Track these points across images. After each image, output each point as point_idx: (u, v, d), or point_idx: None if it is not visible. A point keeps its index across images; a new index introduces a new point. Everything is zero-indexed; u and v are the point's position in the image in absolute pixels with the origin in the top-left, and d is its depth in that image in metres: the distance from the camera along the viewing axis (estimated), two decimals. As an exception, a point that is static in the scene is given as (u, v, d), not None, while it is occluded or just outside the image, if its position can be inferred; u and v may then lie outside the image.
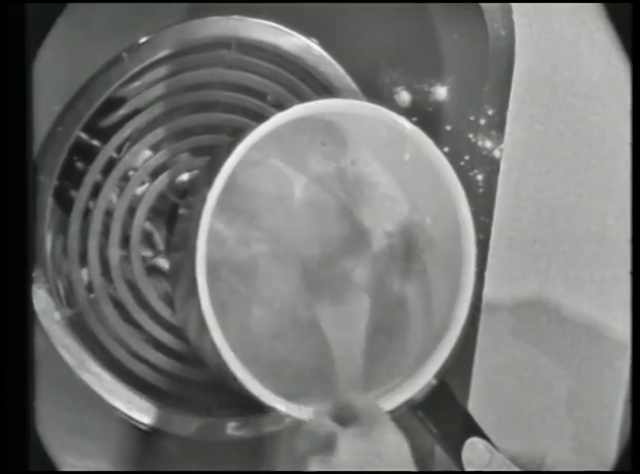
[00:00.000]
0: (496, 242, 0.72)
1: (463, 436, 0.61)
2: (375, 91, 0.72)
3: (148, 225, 0.69)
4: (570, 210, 0.73)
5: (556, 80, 0.73)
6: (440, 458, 0.68)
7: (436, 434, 0.61)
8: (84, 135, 0.68)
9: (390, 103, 0.72)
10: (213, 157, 0.64)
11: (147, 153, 0.70)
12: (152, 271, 0.69)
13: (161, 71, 0.70)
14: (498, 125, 0.72)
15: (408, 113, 0.71)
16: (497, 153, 0.72)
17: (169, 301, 0.68)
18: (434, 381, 0.60)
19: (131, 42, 0.69)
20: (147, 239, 0.70)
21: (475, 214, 0.61)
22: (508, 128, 0.72)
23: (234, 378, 0.55)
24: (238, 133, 0.61)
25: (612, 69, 0.72)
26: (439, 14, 0.72)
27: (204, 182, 0.58)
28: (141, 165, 0.69)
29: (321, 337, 0.64)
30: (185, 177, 0.71)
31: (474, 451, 0.61)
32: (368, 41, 0.72)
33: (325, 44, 0.72)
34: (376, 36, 0.72)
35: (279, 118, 0.58)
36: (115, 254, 0.68)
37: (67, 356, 0.67)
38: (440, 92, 0.73)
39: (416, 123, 0.61)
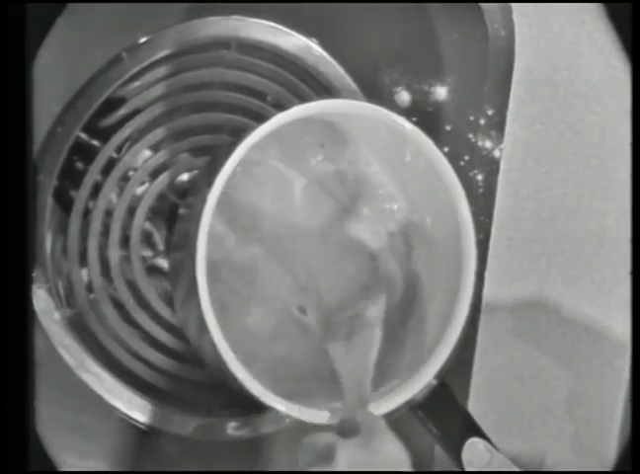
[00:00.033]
0: (496, 242, 0.72)
1: (463, 437, 0.61)
2: (375, 91, 0.72)
3: (148, 225, 0.69)
4: (570, 210, 0.73)
5: (556, 80, 0.73)
6: (440, 458, 0.68)
7: (436, 435, 0.61)
8: (84, 135, 0.68)
9: (390, 103, 0.72)
10: (213, 157, 0.64)
11: (147, 153, 0.70)
12: (152, 271, 0.69)
13: (161, 71, 0.70)
14: (498, 125, 0.72)
15: (408, 113, 0.71)
16: (497, 153, 0.72)
17: (169, 301, 0.68)
18: (434, 382, 0.60)
19: (131, 42, 0.69)
20: (147, 239, 0.70)
21: (475, 214, 0.61)
22: (508, 128, 0.72)
23: (234, 378, 0.55)
24: (238, 133, 0.61)
25: (612, 69, 0.72)
26: (439, 14, 0.72)
27: (204, 182, 0.58)
28: (141, 165, 0.69)
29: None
30: (185, 177, 0.71)
31: (474, 451, 0.61)
32: (368, 41, 0.72)
33: (325, 44, 0.72)
34: (376, 36, 0.72)
35: (279, 119, 0.58)
36: (114, 254, 0.68)
37: (67, 356, 0.67)
38: (440, 92, 0.73)
39: (416, 123, 0.61)
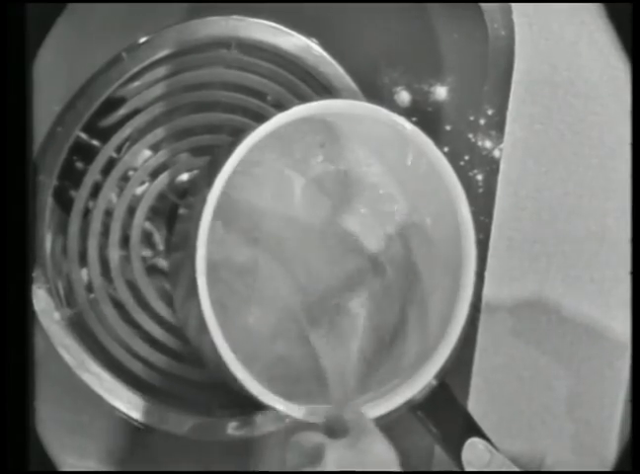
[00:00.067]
0: (496, 242, 0.72)
1: (463, 437, 0.61)
2: (375, 91, 0.72)
3: (148, 225, 0.69)
4: (570, 210, 0.73)
5: (556, 80, 0.73)
6: (440, 458, 0.68)
7: (436, 435, 0.61)
8: (84, 135, 0.68)
9: (390, 103, 0.72)
10: (213, 157, 0.64)
11: (147, 153, 0.70)
12: (152, 271, 0.69)
13: (161, 71, 0.70)
14: (498, 125, 0.72)
15: (408, 113, 0.71)
16: (497, 153, 0.72)
17: (169, 301, 0.68)
18: (434, 382, 0.60)
19: (131, 42, 0.69)
20: (147, 239, 0.70)
21: (475, 214, 0.61)
22: (507, 128, 0.72)
23: (234, 378, 0.55)
24: (238, 133, 0.61)
25: (612, 69, 0.72)
26: (439, 14, 0.72)
27: (204, 182, 0.58)
28: (141, 165, 0.69)
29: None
30: (185, 177, 0.71)
31: (474, 452, 0.61)
32: (368, 41, 0.72)
33: (325, 44, 0.72)
34: (376, 36, 0.72)
35: (279, 119, 0.58)
36: (114, 254, 0.68)
37: (67, 356, 0.67)
38: (440, 92, 0.73)
39: (416, 123, 0.61)
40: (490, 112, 0.72)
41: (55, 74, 0.66)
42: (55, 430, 0.66)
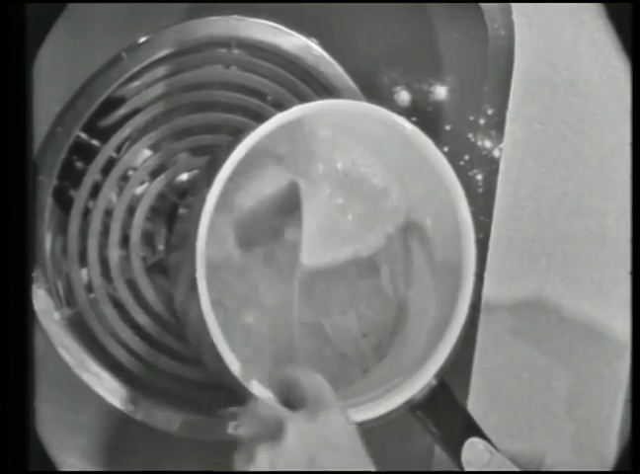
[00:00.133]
0: (495, 242, 0.72)
1: (463, 437, 0.61)
2: (375, 91, 0.72)
3: (148, 225, 0.69)
4: (570, 210, 0.73)
5: (556, 80, 0.73)
6: (440, 458, 0.68)
7: (436, 435, 0.61)
8: (84, 135, 0.68)
9: (390, 103, 0.72)
10: (213, 157, 0.64)
11: (147, 153, 0.70)
12: (152, 271, 0.69)
13: (161, 71, 0.70)
14: (497, 125, 0.72)
15: (408, 112, 0.71)
16: (496, 153, 0.72)
17: (169, 301, 0.68)
18: (434, 381, 0.60)
19: (131, 42, 0.69)
20: (147, 239, 0.70)
21: (475, 214, 0.61)
22: (507, 128, 0.72)
23: (234, 378, 0.55)
24: (238, 133, 0.61)
25: (612, 69, 0.72)
26: (438, 14, 0.72)
27: (204, 182, 0.58)
28: (141, 165, 0.69)
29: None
30: (184, 177, 0.71)
31: (474, 451, 0.61)
32: (368, 41, 0.72)
33: (325, 44, 0.72)
34: (376, 35, 0.72)
35: (279, 119, 0.58)
36: (114, 254, 0.68)
37: (67, 356, 0.67)
38: (440, 92, 0.73)
39: (415, 123, 0.61)
40: (490, 111, 0.72)
41: (55, 74, 0.66)
42: (55, 430, 0.66)
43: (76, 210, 0.68)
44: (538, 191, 0.73)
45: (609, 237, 0.73)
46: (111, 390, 0.67)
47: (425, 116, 0.72)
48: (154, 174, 0.69)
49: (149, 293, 0.68)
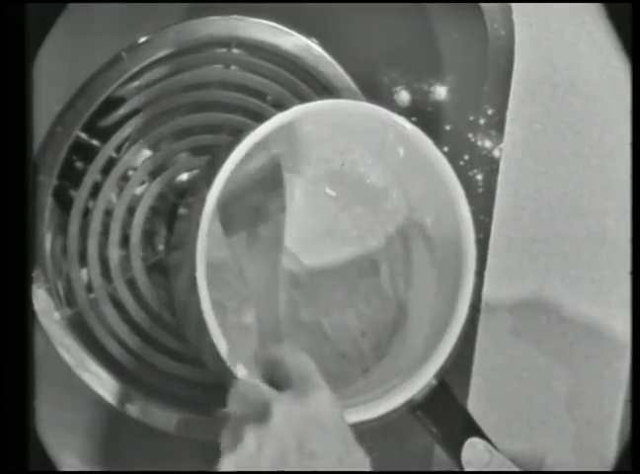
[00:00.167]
0: (495, 241, 0.72)
1: (463, 437, 0.61)
2: (375, 91, 0.72)
3: (148, 225, 0.69)
4: (570, 210, 0.73)
5: (556, 80, 0.73)
6: (440, 458, 0.68)
7: (436, 435, 0.61)
8: (83, 135, 0.68)
9: (390, 102, 0.72)
10: (213, 157, 0.64)
11: (147, 153, 0.70)
12: (152, 271, 0.69)
13: (160, 71, 0.70)
14: (497, 125, 0.72)
15: (408, 112, 0.71)
16: (496, 153, 0.72)
17: (169, 301, 0.68)
18: (434, 381, 0.60)
19: (131, 42, 0.69)
20: (147, 239, 0.70)
21: (475, 214, 0.61)
22: (507, 128, 0.72)
23: (234, 378, 0.55)
24: (238, 133, 0.61)
25: (612, 69, 0.72)
26: (438, 13, 0.72)
27: (204, 182, 0.58)
28: (141, 165, 0.69)
29: (321, 337, 0.64)
30: (184, 177, 0.71)
31: (474, 451, 0.61)
32: (368, 41, 0.72)
33: (325, 44, 0.72)
34: (376, 35, 0.72)
35: (279, 119, 0.58)
36: (114, 254, 0.68)
37: (67, 356, 0.67)
38: (440, 92, 0.73)
39: (415, 123, 0.61)
40: (490, 111, 0.72)
41: (55, 74, 0.66)
42: (55, 430, 0.66)
43: (76, 210, 0.68)
44: (538, 191, 0.73)
45: (609, 237, 0.73)
46: (111, 390, 0.67)
47: (425, 116, 0.72)
48: (154, 174, 0.69)
49: (149, 293, 0.68)
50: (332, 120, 0.63)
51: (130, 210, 0.68)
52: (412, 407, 0.60)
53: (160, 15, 0.69)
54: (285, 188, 0.63)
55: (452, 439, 0.61)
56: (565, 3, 0.72)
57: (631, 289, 0.66)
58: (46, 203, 0.67)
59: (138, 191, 0.69)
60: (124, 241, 0.68)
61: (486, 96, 0.72)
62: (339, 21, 0.72)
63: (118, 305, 0.68)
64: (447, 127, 0.73)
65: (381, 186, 0.66)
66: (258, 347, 0.60)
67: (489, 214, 0.72)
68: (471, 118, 0.72)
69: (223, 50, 0.71)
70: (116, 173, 0.68)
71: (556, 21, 0.72)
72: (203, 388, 0.69)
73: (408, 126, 0.61)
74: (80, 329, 0.68)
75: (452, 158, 0.63)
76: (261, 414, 0.49)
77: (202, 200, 0.55)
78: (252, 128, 0.57)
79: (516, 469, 0.61)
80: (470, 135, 0.72)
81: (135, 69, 0.69)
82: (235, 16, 0.70)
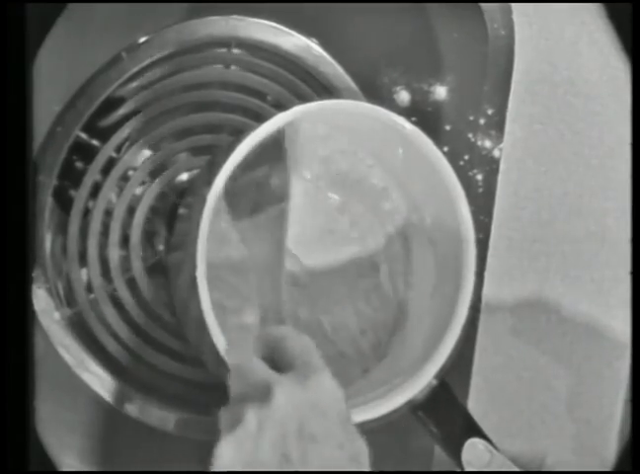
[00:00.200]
0: (495, 242, 0.72)
1: (463, 437, 0.61)
2: (375, 91, 0.72)
3: (148, 225, 0.69)
4: (570, 210, 0.73)
5: (556, 80, 0.73)
6: (440, 458, 0.68)
7: (436, 435, 0.61)
8: (83, 135, 0.68)
9: (390, 102, 0.72)
10: (213, 157, 0.64)
11: (147, 153, 0.70)
12: (152, 271, 0.69)
13: (160, 71, 0.70)
14: (497, 125, 0.72)
15: (407, 112, 0.71)
16: (496, 153, 0.72)
17: (168, 301, 0.68)
18: (434, 381, 0.60)
19: (131, 42, 0.69)
20: (147, 239, 0.70)
21: (475, 214, 0.61)
22: (507, 128, 0.72)
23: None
24: (238, 133, 0.61)
25: (612, 69, 0.72)
26: (438, 13, 0.72)
27: (204, 182, 0.58)
28: (141, 165, 0.69)
29: (321, 336, 0.64)
30: (184, 176, 0.71)
31: (474, 452, 0.61)
32: (368, 41, 0.72)
33: (325, 44, 0.72)
34: (376, 35, 0.72)
35: (279, 119, 0.58)
36: (114, 254, 0.68)
37: (67, 356, 0.67)
38: (440, 91, 0.73)
39: (415, 123, 0.61)
40: (490, 111, 0.72)
41: (55, 74, 0.66)
42: (55, 429, 0.66)
43: (76, 210, 0.68)
44: (538, 191, 0.73)
45: (609, 237, 0.73)
46: (110, 390, 0.67)
47: (425, 116, 0.72)
48: (154, 174, 0.69)
49: (149, 293, 0.68)
50: (332, 121, 0.63)
51: (130, 210, 0.68)
52: (412, 407, 0.60)
53: (160, 15, 0.69)
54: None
55: (453, 439, 0.61)
56: (565, 3, 0.72)
57: (631, 289, 0.66)
58: (46, 203, 0.67)
59: (138, 191, 0.69)
60: (124, 241, 0.68)
61: (486, 96, 0.72)
62: (339, 21, 0.72)
63: (118, 305, 0.68)
64: (447, 127, 0.73)
65: (381, 186, 0.66)
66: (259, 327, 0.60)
67: (489, 214, 0.72)
68: (471, 118, 0.72)
69: (223, 50, 0.71)
70: (116, 173, 0.68)
71: (556, 21, 0.72)
72: (203, 388, 0.69)
73: (408, 126, 0.61)
74: (80, 329, 0.68)
75: (452, 158, 0.63)
76: (262, 395, 0.48)
77: (203, 200, 0.55)
78: (252, 128, 0.57)
79: (516, 469, 0.61)
80: (470, 135, 0.72)
81: (135, 69, 0.69)
82: (235, 16, 0.70)
